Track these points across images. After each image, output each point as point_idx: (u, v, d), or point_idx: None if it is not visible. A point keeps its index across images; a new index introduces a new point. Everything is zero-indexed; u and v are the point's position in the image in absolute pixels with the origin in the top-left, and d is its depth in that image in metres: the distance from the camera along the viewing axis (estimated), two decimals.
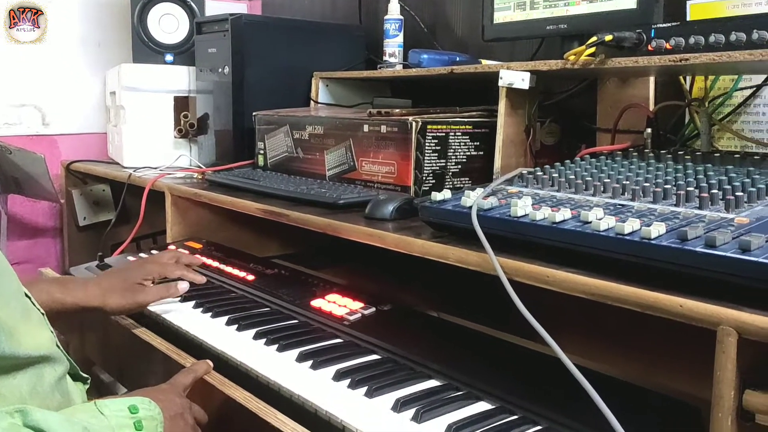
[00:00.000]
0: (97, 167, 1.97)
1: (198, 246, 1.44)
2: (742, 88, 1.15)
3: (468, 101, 1.41)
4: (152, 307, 1.11)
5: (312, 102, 1.74)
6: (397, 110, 1.31)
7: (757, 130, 1.15)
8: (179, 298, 1.14)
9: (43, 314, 0.82)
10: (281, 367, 0.88)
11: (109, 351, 1.22)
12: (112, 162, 2.04)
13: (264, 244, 1.61)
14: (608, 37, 1.02)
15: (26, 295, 0.79)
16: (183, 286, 1.10)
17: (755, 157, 0.95)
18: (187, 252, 1.32)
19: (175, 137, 1.88)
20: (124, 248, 1.59)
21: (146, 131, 1.87)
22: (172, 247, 1.45)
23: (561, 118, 1.40)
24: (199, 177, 1.62)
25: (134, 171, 1.73)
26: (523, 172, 1.00)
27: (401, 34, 1.73)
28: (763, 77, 1.12)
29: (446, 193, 0.94)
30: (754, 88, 1.13)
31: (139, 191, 1.64)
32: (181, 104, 1.89)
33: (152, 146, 1.86)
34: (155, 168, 1.77)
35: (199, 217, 1.56)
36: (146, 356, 1.04)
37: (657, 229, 0.69)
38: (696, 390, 0.76)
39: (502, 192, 0.94)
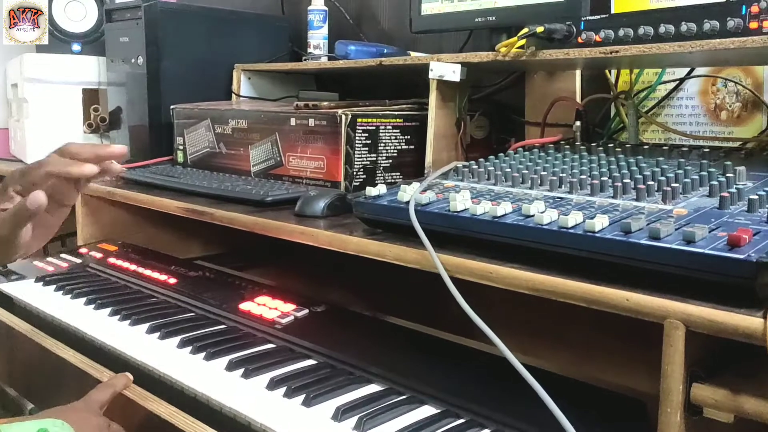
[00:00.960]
0: None
1: (113, 248, 1.34)
2: (665, 82, 1.17)
3: (395, 95, 1.38)
4: (62, 316, 1.02)
5: (234, 95, 1.67)
6: (326, 103, 1.27)
7: (680, 123, 1.17)
8: (92, 306, 1.06)
9: None
10: (210, 377, 0.82)
11: (14, 365, 1.11)
12: (14, 159, 1.89)
13: (185, 244, 1.53)
14: (539, 29, 1.01)
15: None
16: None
17: (683, 149, 0.97)
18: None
19: (84, 132, 1.76)
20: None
21: (52, 126, 1.74)
22: (83, 249, 1.35)
23: (490, 111, 1.39)
24: None
25: None
26: (458, 165, 0.98)
27: (326, 26, 1.68)
28: (686, 70, 1.14)
29: (381, 188, 0.91)
30: (678, 81, 1.15)
31: None
32: (91, 97, 1.77)
33: (59, 142, 1.72)
34: None
35: (113, 218, 1.46)
36: (57, 371, 0.95)
37: (600, 222, 0.68)
38: (635, 383, 0.76)
39: (438, 186, 0.92)
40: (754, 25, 0.84)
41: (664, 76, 1.18)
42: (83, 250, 1.34)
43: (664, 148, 0.99)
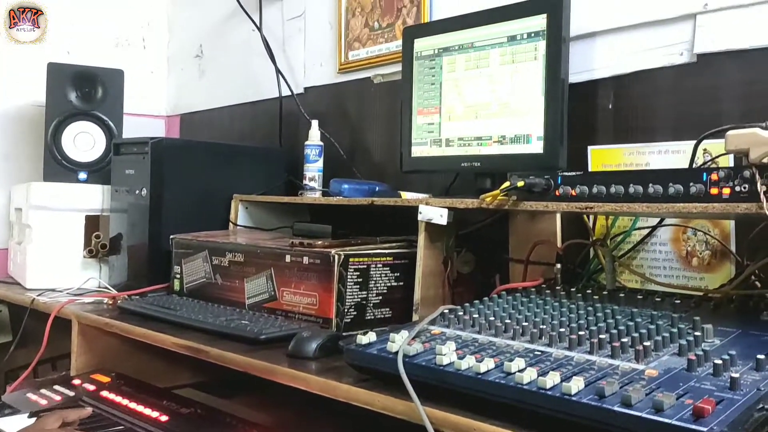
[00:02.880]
0: None
1: (106, 380, 1.36)
2: (639, 228, 1.25)
3: (386, 228, 1.45)
4: None
5: (231, 224, 1.74)
6: (320, 242, 1.33)
7: (655, 267, 1.24)
8: None
9: None
10: None
11: None
12: (12, 282, 1.93)
13: (176, 370, 1.54)
14: (520, 183, 1.09)
15: None
16: None
17: (656, 299, 1.03)
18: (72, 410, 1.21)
19: (84, 257, 1.81)
20: (22, 380, 1.48)
21: (53, 251, 1.79)
22: (76, 381, 1.36)
23: (475, 247, 1.46)
24: (110, 302, 1.56)
25: (38, 295, 1.64)
26: (445, 311, 1.03)
27: (321, 159, 1.78)
28: (657, 220, 1.22)
29: (371, 336, 0.95)
30: (650, 229, 1.23)
31: (40, 314, 1.55)
32: (93, 223, 1.84)
33: (59, 267, 1.79)
34: (61, 291, 1.69)
35: (106, 346, 1.49)
36: None
37: (576, 385, 0.72)
38: None
39: (426, 333, 0.96)
40: (714, 191, 0.92)
41: (638, 223, 1.26)
42: (76, 382, 1.36)
43: (639, 297, 1.05)
